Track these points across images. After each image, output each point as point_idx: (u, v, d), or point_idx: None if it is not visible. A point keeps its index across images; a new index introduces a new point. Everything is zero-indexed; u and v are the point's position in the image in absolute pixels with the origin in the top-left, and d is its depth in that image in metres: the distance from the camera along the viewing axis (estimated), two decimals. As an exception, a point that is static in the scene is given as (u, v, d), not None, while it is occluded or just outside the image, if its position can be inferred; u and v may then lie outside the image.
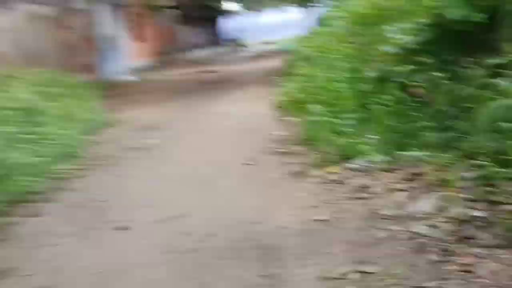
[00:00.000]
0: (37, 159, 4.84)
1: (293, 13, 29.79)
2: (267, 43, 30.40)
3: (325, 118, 4.79)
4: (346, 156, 4.06)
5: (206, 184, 4.16)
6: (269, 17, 31.44)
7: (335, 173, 3.82)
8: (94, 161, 5.42)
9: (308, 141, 4.87)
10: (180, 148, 5.72)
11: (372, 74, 4.69)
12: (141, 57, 22.47)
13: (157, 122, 7.70)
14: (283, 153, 4.72)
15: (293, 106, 6.71)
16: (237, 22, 31.31)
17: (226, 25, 31.30)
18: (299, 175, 3.96)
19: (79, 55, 14.57)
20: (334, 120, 4.63)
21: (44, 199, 4.13)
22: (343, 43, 7.33)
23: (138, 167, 5.06)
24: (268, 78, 12.41)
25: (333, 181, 3.68)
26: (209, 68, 19.40)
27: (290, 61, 11.74)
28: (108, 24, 16.03)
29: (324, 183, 3.67)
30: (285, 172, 4.09)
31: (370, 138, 4.06)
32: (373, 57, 5.12)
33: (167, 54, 24.12)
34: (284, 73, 10.19)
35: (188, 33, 25.43)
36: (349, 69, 5.69)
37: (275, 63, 16.50)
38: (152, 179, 4.55)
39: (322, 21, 11.39)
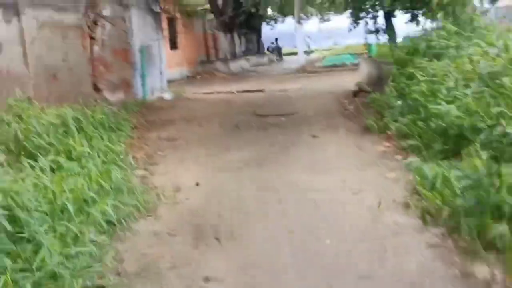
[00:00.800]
0: None
1: (338, 21, 26.50)
2: (313, 51, 26.89)
3: None
4: None
5: None
6: (313, 25, 28.12)
7: None
8: None
9: None
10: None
11: None
12: (176, 66, 19.54)
13: (217, 209, 4.65)
14: None
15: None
16: (280, 30, 28.07)
17: (269, 33, 28.10)
18: None
19: (110, 71, 11.68)
20: None
21: None
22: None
23: None
24: (360, 113, 8.86)
25: None
26: (255, 84, 16.33)
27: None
28: (143, 32, 13.05)
29: None
30: None
31: None
32: None
33: (205, 63, 21.13)
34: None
35: (229, 41, 22.40)
36: None
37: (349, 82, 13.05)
38: None
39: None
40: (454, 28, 6.89)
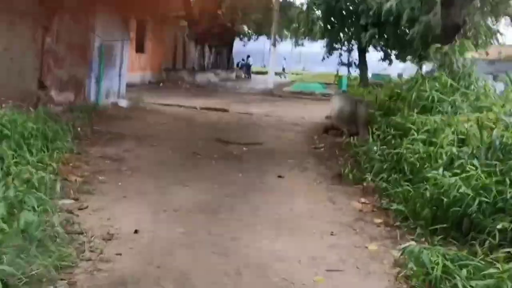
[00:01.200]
0: None
1: (311, 47, 25.97)
2: (286, 74, 26.28)
3: None
4: None
5: None
6: (286, 47, 27.38)
7: None
8: None
9: None
10: None
11: None
12: (139, 70, 18.22)
13: (154, 275, 3.50)
14: None
15: None
16: (252, 48, 27.07)
17: (240, 49, 27.02)
18: None
19: (61, 66, 10.26)
20: None
21: None
22: None
23: None
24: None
25: None
26: (220, 101, 15.25)
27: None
28: (107, 31, 11.76)
29: None
30: None
31: None
32: None
33: (170, 70, 19.87)
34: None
35: (198, 52, 21.22)
36: None
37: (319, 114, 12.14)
38: None
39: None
40: (449, 81, 6.09)
